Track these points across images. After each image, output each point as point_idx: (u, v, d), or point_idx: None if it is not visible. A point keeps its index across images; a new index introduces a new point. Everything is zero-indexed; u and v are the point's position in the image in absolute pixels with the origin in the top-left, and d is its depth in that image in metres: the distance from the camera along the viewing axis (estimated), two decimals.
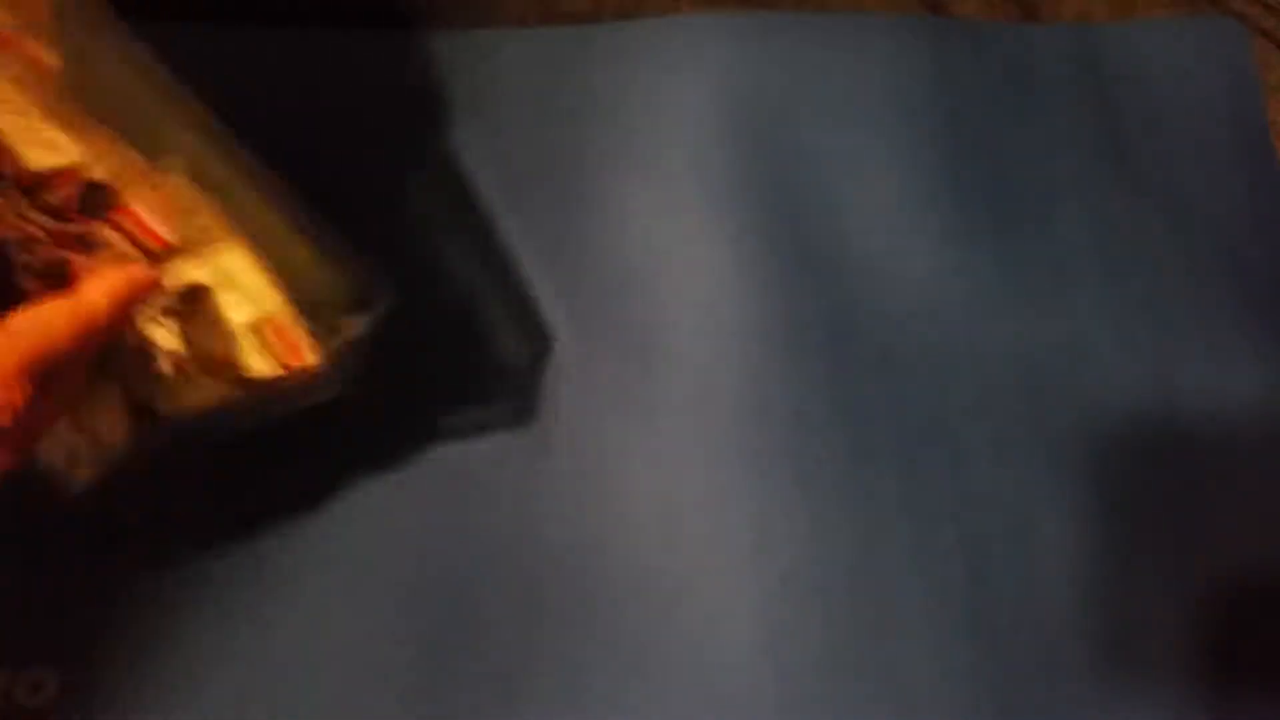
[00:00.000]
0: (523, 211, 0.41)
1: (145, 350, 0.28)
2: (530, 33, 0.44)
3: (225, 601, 0.35)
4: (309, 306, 0.29)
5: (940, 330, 0.40)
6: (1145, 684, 0.36)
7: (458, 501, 0.37)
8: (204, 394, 0.29)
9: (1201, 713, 0.36)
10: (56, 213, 0.26)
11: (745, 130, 0.42)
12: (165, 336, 0.28)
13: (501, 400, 0.38)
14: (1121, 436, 0.39)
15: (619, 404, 0.38)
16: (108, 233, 0.27)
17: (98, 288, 0.26)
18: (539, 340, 0.39)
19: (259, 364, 0.29)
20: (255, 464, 0.36)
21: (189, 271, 0.28)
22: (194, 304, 0.28)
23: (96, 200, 0.26)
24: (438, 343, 0.39)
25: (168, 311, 0.28)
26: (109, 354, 0.27)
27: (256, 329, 0.28)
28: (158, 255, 0.27)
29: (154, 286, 0.27)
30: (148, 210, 0.27)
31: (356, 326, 0.30)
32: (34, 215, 0.26)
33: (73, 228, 0.26)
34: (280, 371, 0.29)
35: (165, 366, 0.28)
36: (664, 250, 0.40)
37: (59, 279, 0.26)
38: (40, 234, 0.26)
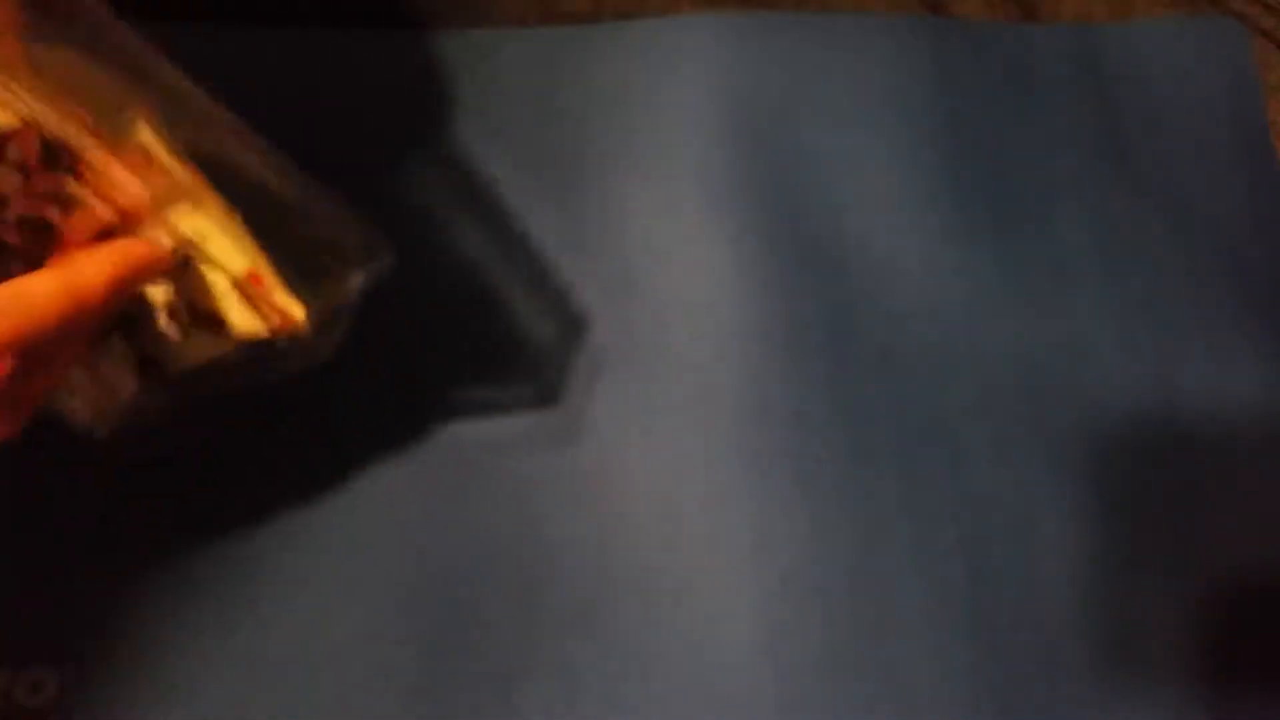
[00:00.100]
0: (522, 212, 0.41)
1: (143, 306, 0.28)
2: (530, 33, 0.44)
3: (225, 601, 0.35)
4: (297, 264, 0.29)
5: (940, 330, 0.40)
6: (1145, 684, 0.36)
7: (458, 501, 0.37)
8: (202, 349, 0.29)
9: (1201, 713, 0.36)
10: (22, 168, 0.25)
11: (745, 130, 0.42)
12: (158, 293, 0.28)
13: (501, 401, 0.38)
14: (1121, 436, 0.39)
15: (619, 404, 0.38)
16: (78, 189, 0.26)
17: (94, 264, 0.25)
18: (538, 340, 0.39)
19: (244, 321, 0.28)
20: (255, 462, 0.37)
21: (172, 226, 0.27)
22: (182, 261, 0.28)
23: (58, 158, 0.26)
24: (436, 343, 0.39)
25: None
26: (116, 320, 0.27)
27: (240, 285, 0.28)
28: (132, 214, 0.27)
29: (157, 264, 0.26)
30: (116, 167, 0.26)
31: (349, 286, 0.30)
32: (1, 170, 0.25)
33: (40, 183, 0.26)
34: (266, 328, 0.29)
35: (162, 322, 0.28)
36: (664, 250, 0.40)
37: (42, 233, 0.26)
38: (8, 189, 0.25)
